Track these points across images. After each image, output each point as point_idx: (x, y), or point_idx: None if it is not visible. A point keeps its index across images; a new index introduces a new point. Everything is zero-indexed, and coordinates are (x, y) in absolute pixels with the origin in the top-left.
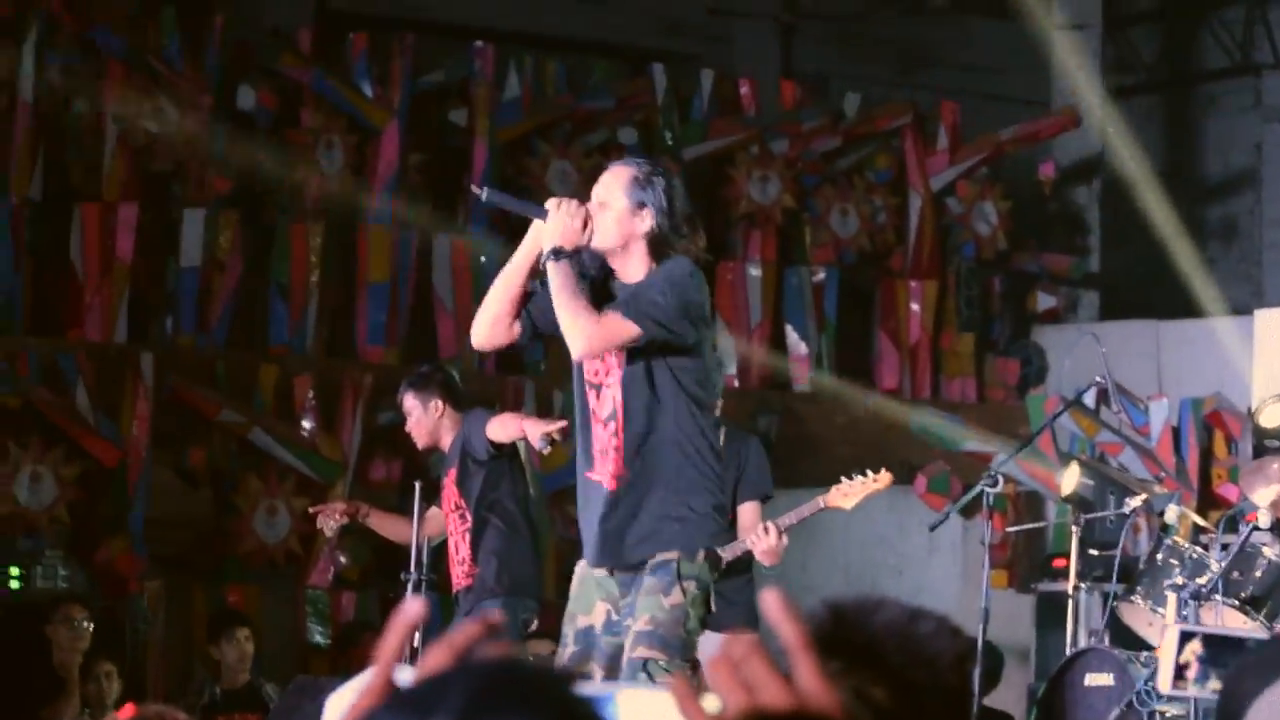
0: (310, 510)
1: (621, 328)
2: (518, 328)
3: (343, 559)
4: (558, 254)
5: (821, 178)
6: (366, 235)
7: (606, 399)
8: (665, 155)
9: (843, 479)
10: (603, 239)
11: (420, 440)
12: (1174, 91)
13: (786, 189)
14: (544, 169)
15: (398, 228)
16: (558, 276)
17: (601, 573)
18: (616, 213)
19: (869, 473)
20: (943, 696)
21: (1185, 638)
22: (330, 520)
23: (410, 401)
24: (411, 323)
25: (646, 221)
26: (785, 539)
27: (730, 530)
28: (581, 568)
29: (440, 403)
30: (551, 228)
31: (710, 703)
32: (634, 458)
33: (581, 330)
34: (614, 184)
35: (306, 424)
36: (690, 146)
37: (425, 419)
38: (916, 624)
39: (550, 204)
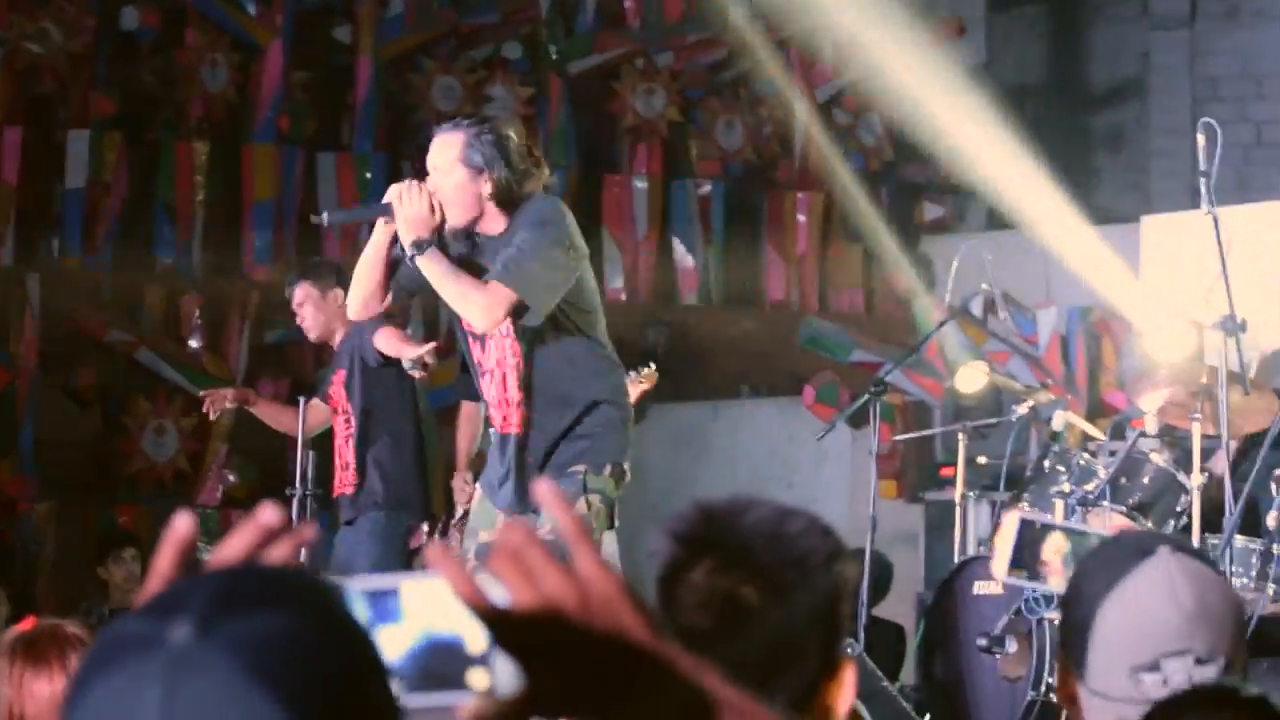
0: (200, 394)
1: (509, 295)
2: (389, 296)
3: (231, 477)
4: (420, 246)
5: (706, 90)
6: (251, 154)
7: (490, 349)
8: (550, 69)
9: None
10: (453, 215)
11: (314, 333)
12: (1060, 1)
13: (672, 102)
14: (428, 85)
15: (283, 146)
16: (429, 266)
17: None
18: (457, 183)
19: (638, 370)
20: (812, 596)
21: (1027, 527)
22: (219, 405)
23: (305, 292)
24: (298, 242)
25: (488, 183)
26: None
27: None
28: (483, 481)
29: (340, 293)
30: (402, 221)
31: (498, 592)
32: (527, 402)
33: (476, 308)
34: (446, 155)
35: (194, 343)
36: (575, 60)
37: (324, 308)
38: (786, 524)
39: (391, 197)
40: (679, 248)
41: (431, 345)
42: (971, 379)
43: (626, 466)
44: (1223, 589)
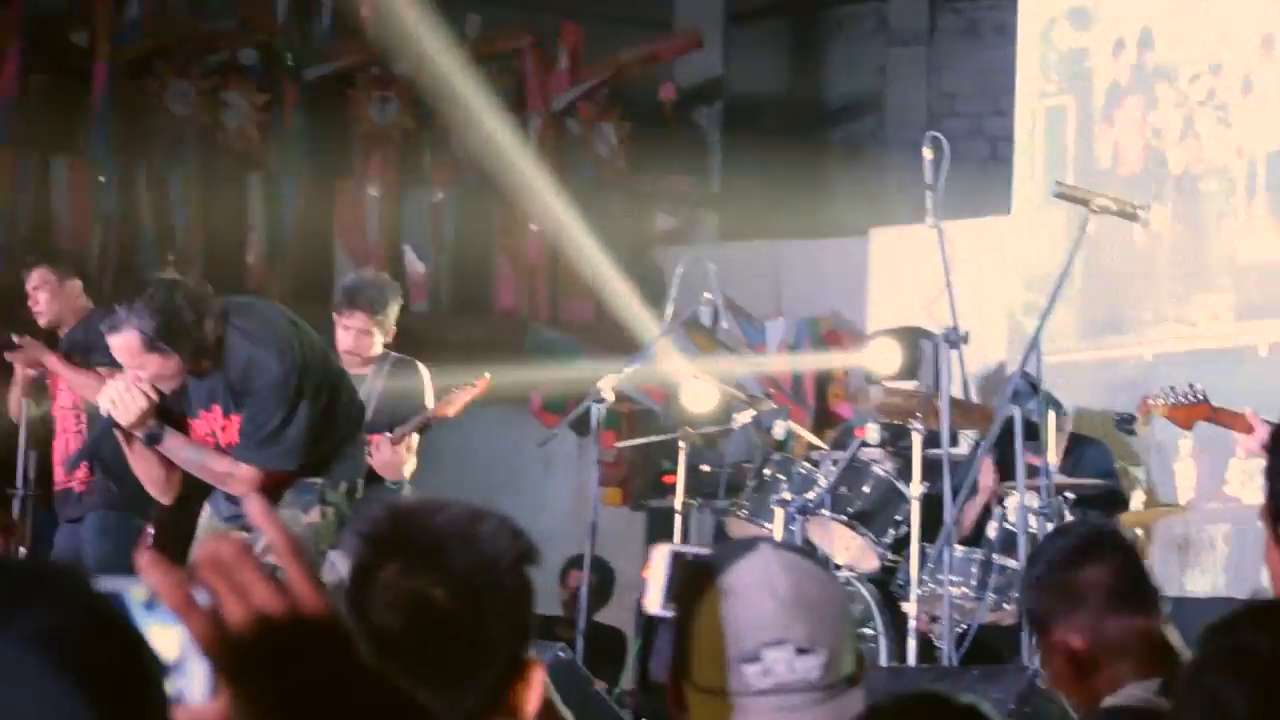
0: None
1: (259, 473)
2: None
3: None
4: (153, 436)
5: (441, 99)
6: None
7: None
8: (286, 76)
9: (454, 388)
10: (167, 387)
11: (45, 318)
12: (799, 15)
13: (406, 110)
14: (163, 90)
15: (17, 149)
16: (174, 451)
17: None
18: (154, 371)
19: (473, 381)
20: (501, 596)
21: (678, 559)
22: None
23: (43, 276)
24: (29, 245)
25: (173, 358)
26: (402, 451)
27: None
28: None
29: (78, 283)
30: (124, 422)
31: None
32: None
33: (235, 485)
34: (131, 355)
35: None
36: (311, 67)
37: (59, 296)
38: (477, 524)
39: (104, 406)
40: (410, 255)
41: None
42: (702, 398)
43: (360, 484)
44: (822, 579)
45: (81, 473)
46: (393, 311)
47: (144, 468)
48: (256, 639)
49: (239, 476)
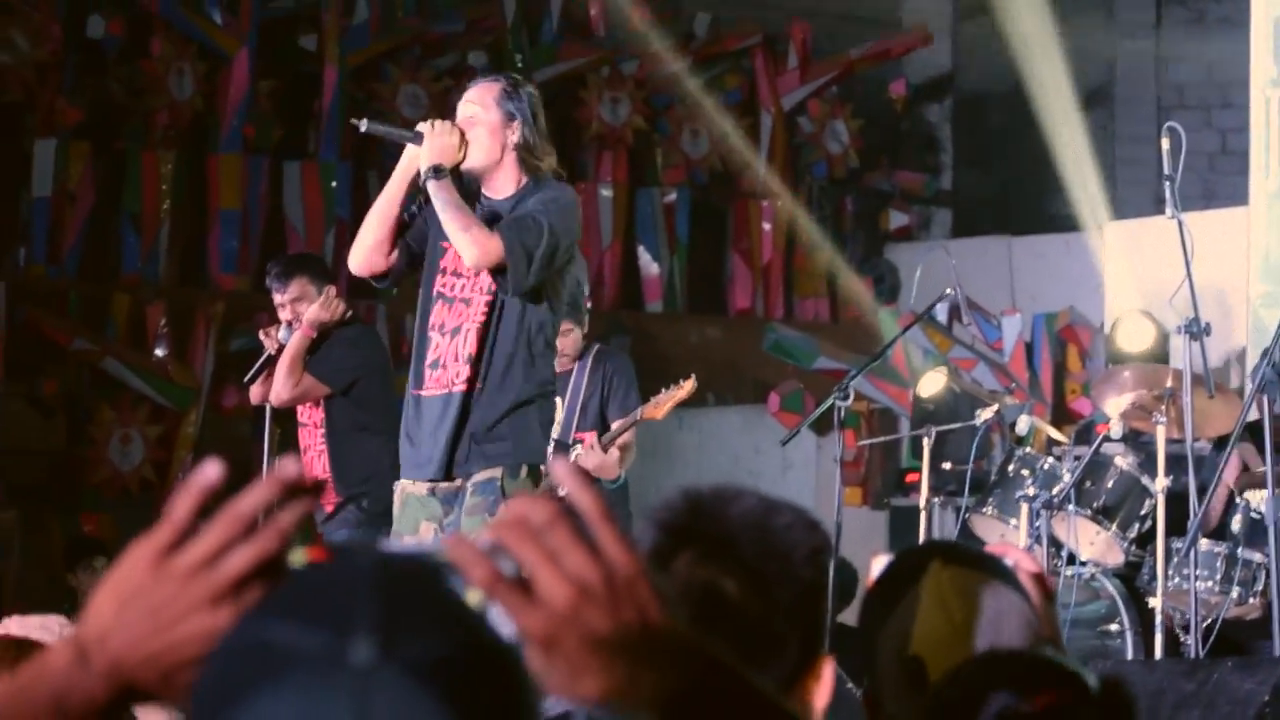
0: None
1: (502, 250)
2: (395, 255)
3: None
4: (438, 172)
5: (672, 98)
6: (218, 163)
7: (455, 313)
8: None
9: (662, 390)
10: (478, 154)
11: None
12: (1025, 9)
13: (637, 110)
14: (394, 93)
15: (249, 155)
16: (441, 192)
17: (423, 491)
18: (489, 126)
19: (679, 382)
20: (794, 590)
21: None
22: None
23: (305, 286)
24: (263, 250)
25: (516, 133)
26: (616, 452)
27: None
28: (401, 489)
29: (334, 289)
30: (428, 148)
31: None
32: (477, 364)
33: (473, 240)
34: (484, 98)
35: (159, 351)
36: (541, 69)
37: (321, 310)
38: (772, 516)
39: (423, 127)
40: (644, 255)
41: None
42: (931, 382)
43: (543, 469)
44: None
45: (329, 494)
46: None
47: (375, 221)
48: (575, 609)
49: (484, 236)
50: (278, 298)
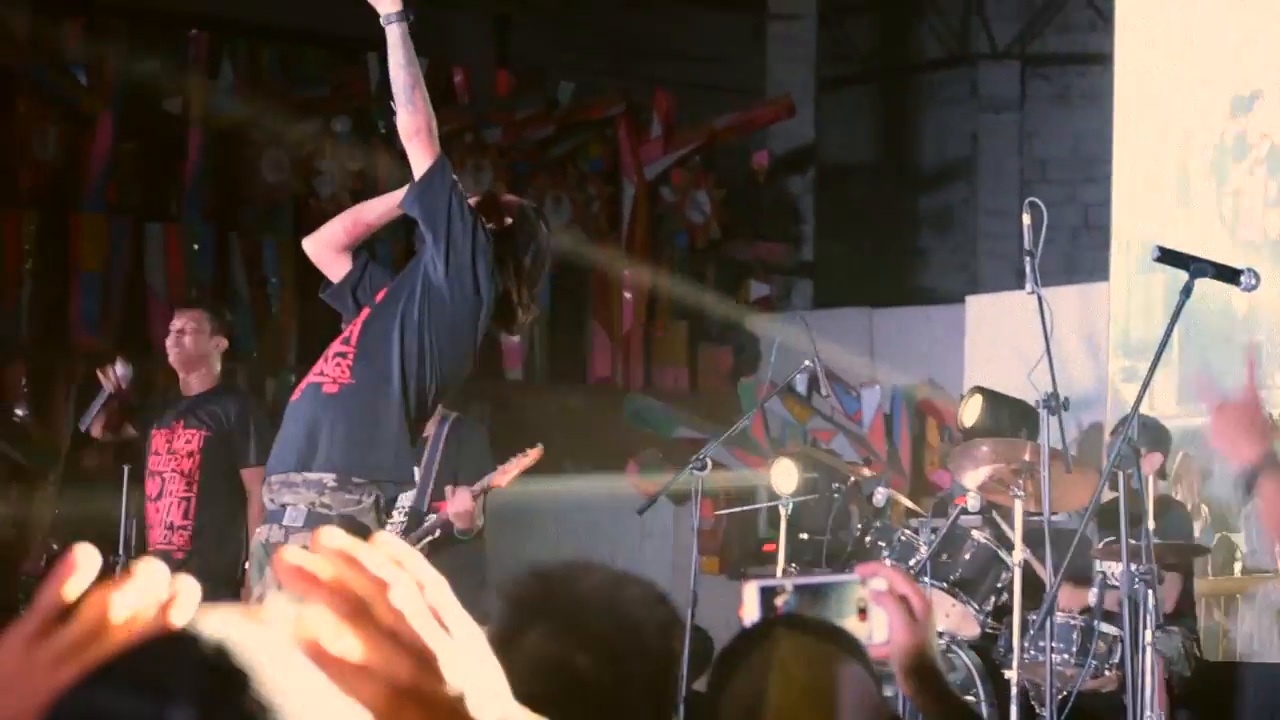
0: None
1: (431, 143)
2: (348, 263)
3: (55, 546)
4: (404, 14)
5: (535, 165)
6: (80, 223)
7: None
8: (379, 145)
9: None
10: None
11: (185, 363)
12: (890, 81)
13: (499, 177)
14: (257, 157)
15: (112, 216)
16: (398, 40)
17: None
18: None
19: (525, 451)
20: (645, 662)
21: (766, 593)
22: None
23: (199, 320)
24: (124, 312)
25: None
26: (480, 504)
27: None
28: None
29: (224, 341)
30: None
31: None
32: (354, 371)
33: (416, 100)
34: None
35: (20, 411)
36: None
37: (205, 345)
38: (622, 590)
39: None
40: None
41: None
42: (786, 477)
43: (391, 503)
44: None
45: (180, 537)
46: None
47: (359, 210)
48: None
49: (420, 122)
50: (176, 323)
